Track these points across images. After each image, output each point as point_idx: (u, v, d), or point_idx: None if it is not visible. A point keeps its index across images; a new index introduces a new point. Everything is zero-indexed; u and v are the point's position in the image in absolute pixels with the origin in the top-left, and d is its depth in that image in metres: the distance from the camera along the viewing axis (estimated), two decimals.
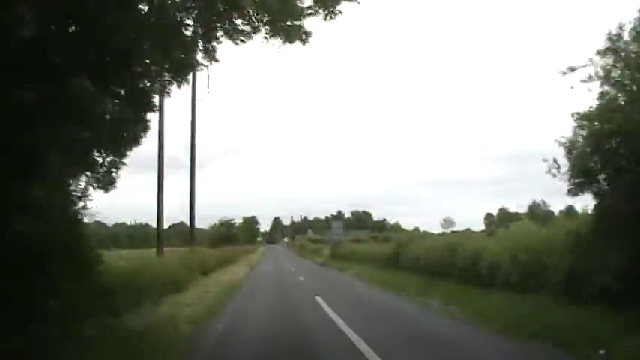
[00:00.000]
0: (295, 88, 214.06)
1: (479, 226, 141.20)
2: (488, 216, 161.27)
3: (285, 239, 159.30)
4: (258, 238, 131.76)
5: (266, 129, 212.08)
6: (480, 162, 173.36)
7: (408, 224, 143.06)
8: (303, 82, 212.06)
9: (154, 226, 24.03)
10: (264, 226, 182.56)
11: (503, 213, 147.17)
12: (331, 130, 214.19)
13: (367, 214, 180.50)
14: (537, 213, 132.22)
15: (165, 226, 28.12)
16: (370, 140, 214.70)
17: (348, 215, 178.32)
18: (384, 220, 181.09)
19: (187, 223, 30.11)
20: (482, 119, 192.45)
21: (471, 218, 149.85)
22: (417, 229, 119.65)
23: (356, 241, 43.41)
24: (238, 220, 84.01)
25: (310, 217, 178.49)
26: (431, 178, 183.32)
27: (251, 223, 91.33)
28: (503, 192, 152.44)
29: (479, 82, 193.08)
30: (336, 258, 38.43)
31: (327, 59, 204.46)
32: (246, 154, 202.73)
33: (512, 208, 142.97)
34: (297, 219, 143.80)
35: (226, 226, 60.22)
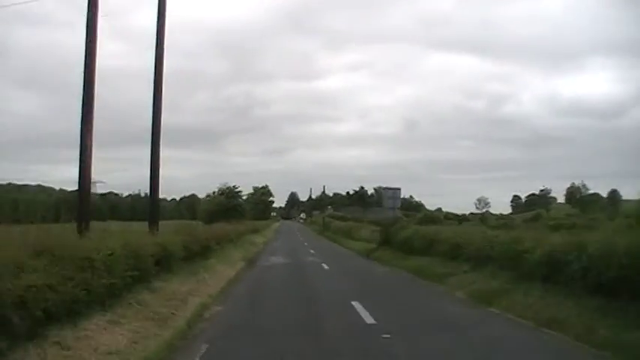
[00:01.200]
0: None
1: (506, 209, 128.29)
2: (516, 199, 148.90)
3: (302, 215, 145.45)
4: (273, 214, 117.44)
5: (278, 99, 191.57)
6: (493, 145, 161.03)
7: (430, 204, 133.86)
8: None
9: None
10: (279, 202, 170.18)
11: (533, 197, 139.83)
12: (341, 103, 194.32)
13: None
14: (576, 196, 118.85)
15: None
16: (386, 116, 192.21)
17: (371, 191, 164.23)
18: (411, 197, 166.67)
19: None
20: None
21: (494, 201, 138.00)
22: (439, 210, 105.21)
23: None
24: (247, 191, 70.55)
25: (329, 193, 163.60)
26: (446, 159, 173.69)
27: (263, 193, 75.98)
28: (517, 177, 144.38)
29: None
30: (395, 248, 23.36)
31: None
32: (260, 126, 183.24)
33: (524, 193, 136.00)
34: (314, 195, 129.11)
35: (228, 195, 45.70)
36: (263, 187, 78.45)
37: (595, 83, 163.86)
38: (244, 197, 50.94)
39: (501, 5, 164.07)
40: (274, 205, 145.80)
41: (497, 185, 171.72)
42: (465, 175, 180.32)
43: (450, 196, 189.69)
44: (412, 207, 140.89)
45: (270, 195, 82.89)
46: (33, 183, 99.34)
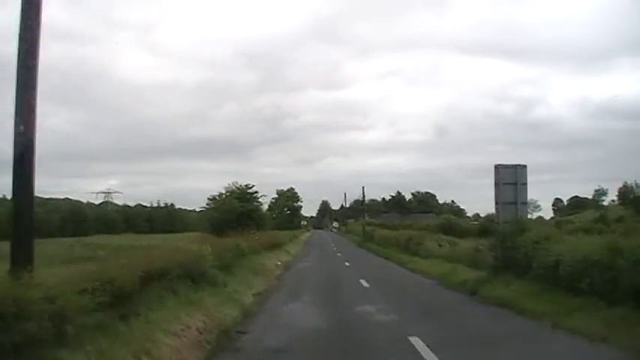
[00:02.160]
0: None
1: (547, 213, 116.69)
2: (558, 202, 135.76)
3: (335, 224, 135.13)
4: (303, 222, 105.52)
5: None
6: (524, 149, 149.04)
7: (468, 211, 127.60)
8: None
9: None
10: (310, 212, 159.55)
11: (575, 199, 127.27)
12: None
13: (431, 197, 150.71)
14: (629, 196, 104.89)
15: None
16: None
17: (409, 197, 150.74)
18: (452, 202, 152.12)
19: None
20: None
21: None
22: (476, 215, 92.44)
23: None
24: (272, 195, 58.41)
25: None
26: (470, 163, 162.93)
27: (289, 197, 63.84)
28: (549, 180, 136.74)
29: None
30: (526, 277, 10.98)
31: None
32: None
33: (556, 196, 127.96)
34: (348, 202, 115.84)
35: (240, 197, 34.02)
36: (289, 190, 66.61)
37: (626, 84, 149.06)
38: (263, 201, 38.79)
39: (529, 7, 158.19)
40: (305, 213, 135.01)
41: (529, 190, 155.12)
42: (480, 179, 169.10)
43: (482, 202, 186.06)
44: (448, 212, 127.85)
45: (298, 199, 70.74)
46: None
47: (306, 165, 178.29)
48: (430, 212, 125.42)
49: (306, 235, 68.67)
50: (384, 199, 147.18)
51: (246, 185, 36.09)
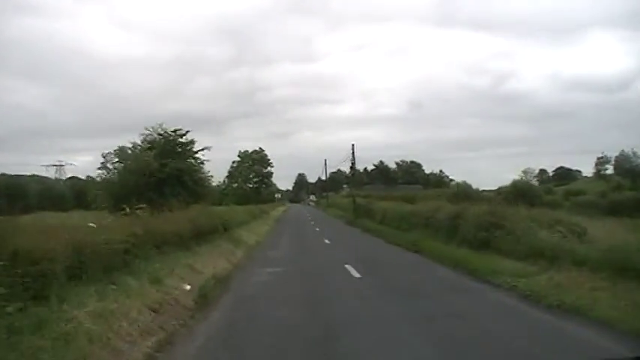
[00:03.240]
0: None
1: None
2: (542, 173, 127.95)
3: (312, 197, 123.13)
4: (277, 195, 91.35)
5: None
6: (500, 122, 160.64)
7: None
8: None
9: None
10: (286, 185, 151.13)
11: (560, 170, 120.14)
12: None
13: (417, 166, 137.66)
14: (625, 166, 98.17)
15: None
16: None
17: (392, 166, 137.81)
18: (441, 172, 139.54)
19: None
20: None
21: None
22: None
23: None
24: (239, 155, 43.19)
25: (344, 170, 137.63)
26: (451, 137, 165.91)
27: (257, 161, 47.15)
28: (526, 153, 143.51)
29: None
30: None
31: None
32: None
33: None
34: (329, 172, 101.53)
35: (162, 150, 19.82)
36: (256, 152, 50.65)
37: (598, 56, 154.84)
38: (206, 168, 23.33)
39: None
40: (280, 187, 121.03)
41: (504, 162, 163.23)
42: (470, 153, 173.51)
43: (464, 174, 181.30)
44: (435, 183, 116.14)
45: (268, 163, 53.68)
46: None
47: (281, 139, 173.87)
48: (416, 184, 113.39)
49: (279, 211, 54.86)
50: (365, 169, 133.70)
51: (174, 130, 21.75)
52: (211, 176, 23.63)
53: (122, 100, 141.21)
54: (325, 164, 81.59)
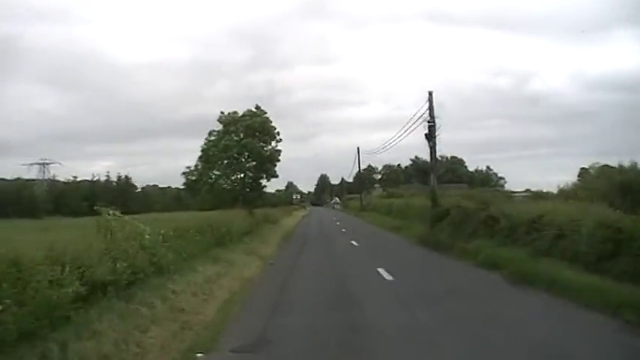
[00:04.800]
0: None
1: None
2: (584, 171, 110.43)
3: (336, 199, 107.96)
4: (296, 196, 76.44)
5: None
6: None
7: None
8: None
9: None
10: (307, 188, 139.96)
11: (603, 166, 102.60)
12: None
13: (460, 162, 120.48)
14: None
15: None
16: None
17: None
18: (488, 169, 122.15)
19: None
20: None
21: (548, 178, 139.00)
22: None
23: None
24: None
25: (376, 166, 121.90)
26: (474, 139, 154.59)
27: (253, 130, 27.45)
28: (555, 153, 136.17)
29: None
30: None
31: None
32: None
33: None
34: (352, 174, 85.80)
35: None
36: (252, 114, 27.80)
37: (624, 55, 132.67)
38: None
39: None
40: (302, 189, 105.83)
41: (529, 163, 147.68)
42: (492, 155, 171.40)
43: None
44: (482, 182, 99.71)
45: (272, 135, 28.97)
46: None
47: (301, 142, 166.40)
48: (460, 182, 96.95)
49: (297, 217, 39.25)
50: (399, 165, 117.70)
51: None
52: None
53: (142, 105, 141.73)
54: (358, 152, 65.66)
